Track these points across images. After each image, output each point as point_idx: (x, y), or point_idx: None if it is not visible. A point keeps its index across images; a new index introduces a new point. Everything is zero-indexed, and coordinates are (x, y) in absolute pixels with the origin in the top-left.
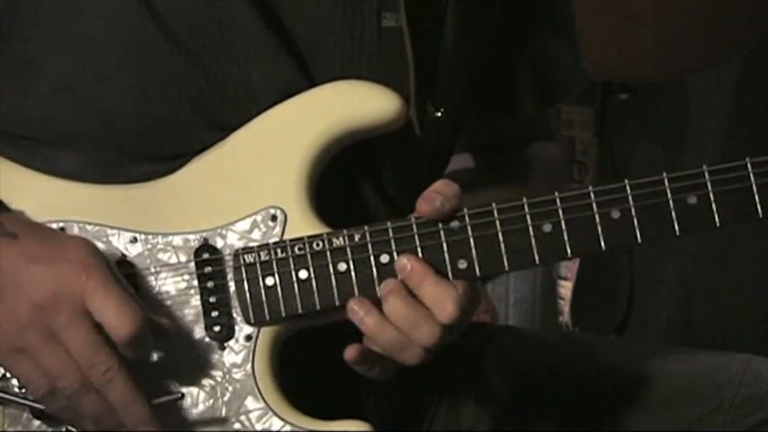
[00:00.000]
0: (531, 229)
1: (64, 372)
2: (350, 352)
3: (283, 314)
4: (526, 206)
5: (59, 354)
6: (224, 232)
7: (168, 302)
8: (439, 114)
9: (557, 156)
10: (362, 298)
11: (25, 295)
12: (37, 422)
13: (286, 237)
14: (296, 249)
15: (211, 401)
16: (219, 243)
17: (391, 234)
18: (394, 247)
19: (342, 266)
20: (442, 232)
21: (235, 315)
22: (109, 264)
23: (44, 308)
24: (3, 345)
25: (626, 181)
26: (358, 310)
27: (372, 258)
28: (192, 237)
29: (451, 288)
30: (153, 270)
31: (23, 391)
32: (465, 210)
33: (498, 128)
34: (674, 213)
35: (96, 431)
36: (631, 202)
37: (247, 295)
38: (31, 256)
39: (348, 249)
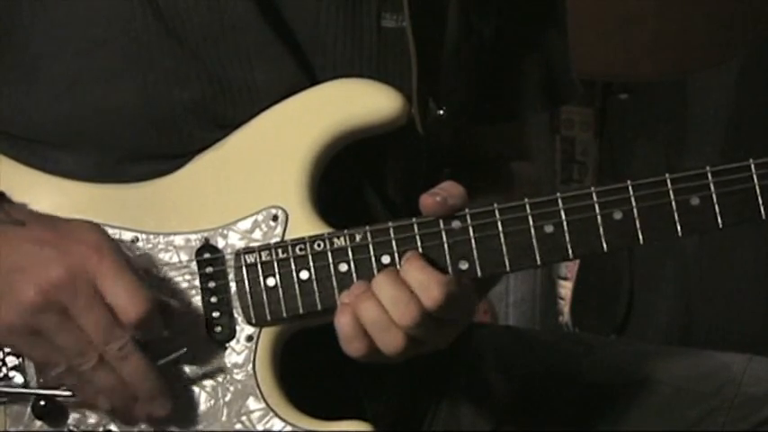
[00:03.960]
0: (532, 229)
1: (81, 350)
2: None
3: (284, 315)
4: (528, 207)
5: (76, 333)
6: (225, 232)
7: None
8: (441, 113)
9: (533, 176)
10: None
11: (38, 278)
12: (39, 422)
13: (287, 237)
14: (297, 250)
15: (212, 402)
16: (221, 243)
17: (392, 234)
18: (395, 248)
19: (343, 267)
20: (443, 233)
21: (236, 315)
22: (118, 246)
23: (58, 288)
24: (18, 328)
25: (628, 182)
26: (352, 289)
27: (373, 259)
28: (193, 237)
29: (441, 275)
30: (154, 270)
31: (28, 382)
32: (467, 210)
33: (478, 146)
34: (676, 214)
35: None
36: (634, 203)
37: (248, 296)
38: (42, 240)
39: (349, 250)
